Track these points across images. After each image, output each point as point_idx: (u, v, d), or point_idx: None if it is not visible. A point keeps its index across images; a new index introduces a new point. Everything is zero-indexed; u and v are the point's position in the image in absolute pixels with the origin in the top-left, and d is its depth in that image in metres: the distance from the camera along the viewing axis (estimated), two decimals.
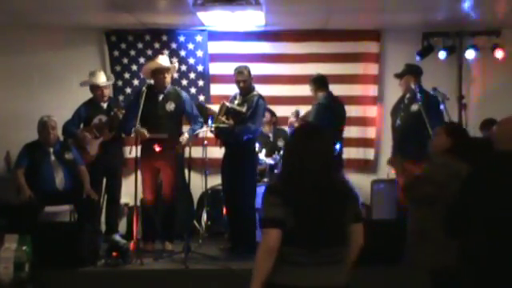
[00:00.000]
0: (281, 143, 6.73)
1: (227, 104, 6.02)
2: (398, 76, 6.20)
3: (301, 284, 2.75)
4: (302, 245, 2.74)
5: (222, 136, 6.07)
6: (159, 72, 6.03)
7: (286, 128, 6.85)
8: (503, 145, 3.22)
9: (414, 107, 5.88)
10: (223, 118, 5.92)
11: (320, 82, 6.24)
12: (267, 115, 6.74)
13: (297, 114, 6.34)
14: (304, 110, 6.50)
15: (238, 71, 6.12)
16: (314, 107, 6.15)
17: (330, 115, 6.00)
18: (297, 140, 2.94)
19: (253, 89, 6.21)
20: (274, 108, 6.98)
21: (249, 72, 6.14)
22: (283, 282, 2.76)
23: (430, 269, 3.69)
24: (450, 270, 3.50)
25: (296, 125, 6.21)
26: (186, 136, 5.95)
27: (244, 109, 6.03)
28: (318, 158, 2.81)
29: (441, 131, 3.92)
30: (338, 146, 6.10)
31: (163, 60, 6.20)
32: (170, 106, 6.04)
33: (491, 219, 3.09)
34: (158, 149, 5.85)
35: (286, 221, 2.72)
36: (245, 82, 6.11)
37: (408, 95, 6.05)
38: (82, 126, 6.44)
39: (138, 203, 5.91)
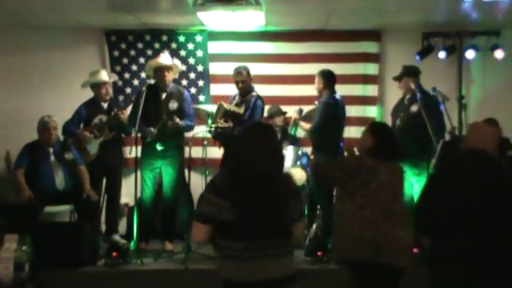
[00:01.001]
0: (286, 143, 6.67)
1: (225, 106, 6.02)
2: (397, 79, 6.20)
3: (243, 278, 2.85)
4: (243, 239, 2.84)
5: (220, 138, 6.08)
6: (160, 70, 6.06)
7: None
8: (470, 143, 3.41)
9: (414, 108, 5.88)
10: (221, 121, 5.92)
11: (330, 79, 6.08)
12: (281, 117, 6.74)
13: (300, 111, 6.29)
14: (305, 109, 6.49)
15: (237, 72, 6.14)
16: (319, 105, 6.05)
17: (335, 114, 5.96)
18: (245, 138, 3.02)
19: (252, 89, 6.21)
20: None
21: (248, 72, 6.14)
22: (226, 277, 2.89)
23: (351, 261, 3.78)
24: (369, 262, 3.68)
25: (300, 123, 6.17)
26: (180, 122, 5.95)
27: (242, 110, 6.04)
28: (264, 156, 2.90)
29: (366, 130, 3.98)
30: (342, 145, 6.09)
31: (164, 58, 6.22)
32: (173, 105, 6.07)
33: (457, 215, 3.20)
34: (159, 148, 5.86)
35: (226, 216, 2.82)
36: (243, 82, 6.12)
37: (408, 96, 6.06)
38: (82, 125, 6.44)
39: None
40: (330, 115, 5.93)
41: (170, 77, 6.14)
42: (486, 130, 3.49)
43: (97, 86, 6.40)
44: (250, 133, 3.07)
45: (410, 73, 6.09)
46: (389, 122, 6.38)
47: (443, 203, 3.25)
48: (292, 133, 6.53)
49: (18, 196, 5.93)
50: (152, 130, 5.89)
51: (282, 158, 3.08)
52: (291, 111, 6.79)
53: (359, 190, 3.74)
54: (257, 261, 2.84)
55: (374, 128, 3.99)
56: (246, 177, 2.88)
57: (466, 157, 3.42)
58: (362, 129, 7.03)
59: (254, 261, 2.84)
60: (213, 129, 5.97)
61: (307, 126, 6.11)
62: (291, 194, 2.98)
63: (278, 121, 6.72)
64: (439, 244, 3.29)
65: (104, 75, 6.43)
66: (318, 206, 6.26)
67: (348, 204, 3.78)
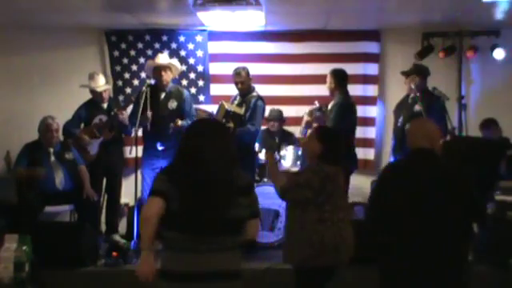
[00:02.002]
0: (285, 145, 6.66)
1: (226, 107, 6.02)
2: (405, 74, 6.12)
3: (186, 269, 2.90)
4: (187, 230, 2.89)
5: None
6: (157, 70, 6.11)
7: (299, 128, 6.74)
8: (417, 143, 3.48)
9: (417, 107, 5.83)
10: (223, 121, 5.92)
11: (342, 78, 5.97)
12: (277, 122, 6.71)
13: (311, 113, 6.05)
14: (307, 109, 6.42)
15: (236, 72, 6.14)
16: (334, 106, 5.89)
17: (351, 116, 5.89)
18: (194, 132, 3.07)
19: (252, 90, 6.21)
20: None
21: (247, 73, 6.14)
22: (172, 269, 2.92)
23: (310, 268, 3.79)
24: (328, 269, 3.80)
25: (314, 124, 5.98)
26: (180, 122, 5.98)
27: (242, 110, 6.03)
28: (211, 152, 2.96)
29: (312, 136, 4.01)
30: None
31: (162, 58, 6.26)
32: (173, 105, 6.09)
33: (406, 213, 3.31)
34: (160, 148, 5.87)
35: (174, 205, 2.87)
36: (243, 83, 6.12)
37: (412, 95, 6.01)
38: (82, 125, 6.44)
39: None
40: (348, 117, 5.85)
41: (167, 76, 6.16)
42: (430, 128, 3.58)
43: (93, 91, 6.41)
44: (198, 129, 3.11)
45: (419, 71, 6.04)
46: (390, 121, 6.39)
47: (393, 202, 3.36)
48: (303, 135, 6.34)
49: (20, 191, 5.90)
50: (149, 114, 5.90)
51: (231, 155, 3.08)
52: (291, 111, 6.81)
53: (327, 200, 3.82)
54: (200, 254, 2.90)
55: (321, 133, 4.03)
56: (195, 171, 2.94)
57: (413, 156, 3.51)
58: (363, 129, 7.25)
59: (197, 253, 2.90)
60: None
61: None
62: (241, 191, 3.02)
63: (273, 125, 6.70)
64: (390, 240, 3.40)
65: (99, 81, 6.39)
66: None
67: (311, 213, 3.81)
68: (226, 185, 2.97)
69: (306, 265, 3.81)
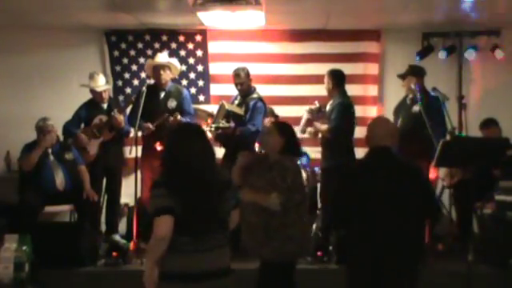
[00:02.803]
0: None
1: (226, 106, 6.01)
2: (401, 76, 6.16)
3: (189, 270, 2.99)
4: (188, 233, 2.99)
5: (221, 139, 6.06)
6: (156, 69, 6.13)
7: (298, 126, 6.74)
8: (378, 141, 3.64)
9: (416, 108, 5.83)
10: (223, 121, 5.92)
11: (339, 78, 5.96)
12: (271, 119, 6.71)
13: (311, 111, 6.04)
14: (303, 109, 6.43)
15: (235, 74, 6.14)
16: (335, 106, 5.87)
17: (351, 115, 5.87)
18: (180, 139, 3.16)
19: (253, 90, 6.19)
20: (273, 108, 6.96)
21: (246, 74, 6.13)
22: (172, 271, 3.00)
23: (278, 261, 3.89)
24: (294, 262, 3.95)
25: (315, 124, 5.98)
26: (179, 117, 5.97)
27: (242, 111, 6.03)
28: (200, 154, 3.10)
29: (273, 131, 4.11)
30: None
31: (161, 57, 6.26)
32: (172, 104, 6.09)
33: (366, 209, 3.48)
34: (159, 148, 5.87)
35: (175, 210, 2.95)
36: (242, 84, 6.12)
37: (410, 96, 6.02)
38: (82, 125, 6.44)
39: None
40: (348, 116, 5.84)
41: (166, 75, 6.17)
42: (394, 127, 3.78)
43: (93, 91, 6.40)
44: (181, 133, 3.23)
45: (415, 72, 6.04)
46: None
47: (354, 198, 3.53)
48: (303, 133, 6.33)
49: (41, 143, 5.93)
50: (150, 126, 5.90)
51: (213, 154, 3.24)
52: (291, 111, 6.80)
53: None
54: (198, 253, 3.00)
55: (281, 128, 4.16)
56: (185, 175, 3.04)
57: (377, 154, 3.65)
58: (363, 129, 7.13)
59: (195, 253, 2.99)
60: (213, 129, 5.96)
61: (323, 126, 5.92)
62: (225, 185, 3.17)
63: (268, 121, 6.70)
64: (351, 234, 3.62)
65: (98, 81, 6.38)
66: (319, 207, 6.27)
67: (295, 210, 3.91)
68: (217, 183, 3.12)
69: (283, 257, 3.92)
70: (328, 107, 6.00)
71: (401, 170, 3.63)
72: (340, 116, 5.77)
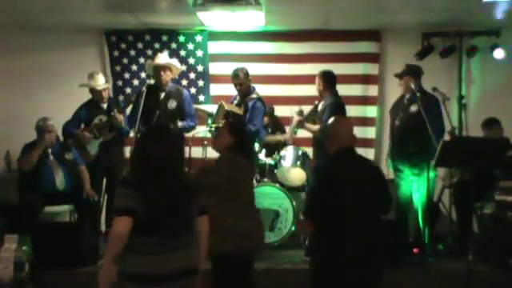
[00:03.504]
0: (279, 133, 6.71)
1: (226, 107, 6.00)
2: (398, 76, 6.17)
3: (153, 271, 3.05)
4: (153, 234, 3.06)
5: None
6: (156, 70, 6.13)
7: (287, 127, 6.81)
8: (340, 143, 3.81)
9: (414, 108, 5.81)
10: (223, 122, 5.91)
11: (329, 80, 5.99)
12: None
13: (300, 112, 6.13)
14: (304, 109, 6.45)
15: (234, 74, 6.14)
16: (327, 106, 5.91)
17: (343, 114, 5.84)
18: (152, 141, 3.21)
19: (252, 90, 6.19)
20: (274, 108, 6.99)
21: (245, 74, 6.13)
22: (137, 271, 3.06)
23: (219, 253, 3.93)
24: (235, 254, 3.96)
25: (305, 124, 6.04)
26: (181, 123, 6.00)
27: (241, 111, 6.03)
28: (170, 157, 3.17)
29: (224, 131, 4.26)
30: None
31: (161, 58, 6.25)
32: (172, 104, 6.09)
33: (331, 207, 3.64)
34: None
35: (139, 212, 3.02)
36: (241, 84, 6.12)
37: (407, 96, 6.00)
38: (82, 126, 6.44)
39: None
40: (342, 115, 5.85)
41: (166, 76, 6.16)
42: (349, 127, 3.91)
43: (93, 90, 6.40)
44: (153, 135, 3.28)
45: (412, 72, 6.03)
46: (388, 121, 6.37)
47: (326, 197, 3.69)
48: (294, 134, 6.38)
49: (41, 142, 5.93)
50: None
51: (183, 158, 3.35)
52: (292, 111, 6.78)
53: (239, 189, 4.07)
54: (163, 254, 3.07)
55: (232, 127, 4.29)
56: (154, 177, 3.11)
57: (344, 155, 3.82)
58: (363, 129, 7.25)
59: (160, 254, 3.07)
60: (213, 129, 5.96)
61: (315, 127, 5.98)
62: (194, 189, 3.27)
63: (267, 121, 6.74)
64: (322, 230, 3.76)
65: (98, 80, 6.37)
66: None
67: (229, 204, 4.01)
68: (185, 186, 3.22)
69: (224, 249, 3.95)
70: (320, 107, 6.04)
71: (365, 169, 3.87)
72: (330, 116, 5.78)
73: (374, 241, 3.72)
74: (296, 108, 6.23)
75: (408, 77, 5.97)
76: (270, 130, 6.94)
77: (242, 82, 6.12)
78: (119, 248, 3.05)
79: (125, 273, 3.09)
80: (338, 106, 5.87)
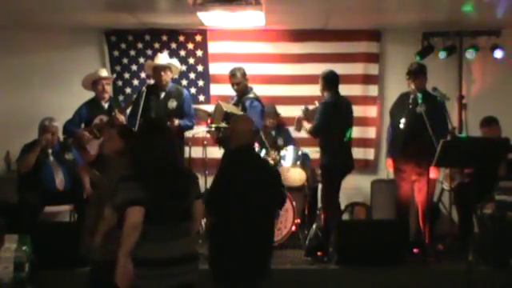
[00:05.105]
0: (281, 142, 6.69)
1: (224, 108, 5.98)
2: (413, 73, 5.94)
3: (159, 257, 3.22)
4: (158, 223, 3.23)
5: (224, 142, 6.03)
6: (156, 70, 6.12)
7: (290, 127, 6.78)
8: (238, 141, 4.15)
9: (419, 108, 5.76)
10: (223, 124, 5.90)
11: (329, 80, 5.94)
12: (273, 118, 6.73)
13: (306, 111, 6.07)
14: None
15: (231, 74, 6.15)
16: (319, 105, 5.94)
17: (333, 115, 5.85)
18: (151, 135, 3.41)
19: (249, 90, 6.19)
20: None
21: (242, 74, 6.14)
22: (143, 257, 3.20)
23: (100, 260, 3.88)
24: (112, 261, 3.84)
25: (303, 123, 6.03)
26: (177, 121, 5.96)
27: (239, 110, 6.03)
28: (169, 149, 3.38)
29: (113, 134, 4.28)
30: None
31: (162, 58, 6.25)
32: (172, 104, 6.09)
33: (226, 201, 3.96)
34: None
35: (146, 201, 3.18)
36: (238, 84, 6.13)
37: (412, 96, 5.94)
38: (83, 125, 6.44)
39: None
40: (329, 115, 5.83)
41: (166, 76, 6.16)
42: (250, 126, 4.25)
43: (94, 83, 6.39)
44: (152, 130, 3.49)
45: (424, 71, 5.93)
46: (387, 121, 6.37)
47: (223, 192, 4.02)
48: (299, 132, 6.30)
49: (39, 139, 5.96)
50: None
51: (178, 149, 3.54)
52: (292, 111, 6.79)
53: None
54: (166, 241, 3.25)
55: (123, 131, 4.31)
56: (156, 169, 3.29)
57: (244, 151, 4.15)
58: (363, 129, 7.25)
59: (164, 241, 3.24)
60: (213, 129, 5.96)
61: (308, 126, 6.02)
62: (190, 177, 3.48)
63: (270, 121, 6.71)
64: (220, 222, 4.07)
65: (102, 72, 6.40)
66: (319, 206, 6.27)
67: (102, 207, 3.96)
68: (183, 176, 3.42)
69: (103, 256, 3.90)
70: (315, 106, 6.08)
71: (261, 167, 4.23)
72: (318, 117, 5.84)
73: (262, 234, 4.07)
74: (302, 107, 6.16)
75: (423, 76, 5.90)
76: (274, 133, 6.87)
77: (240, 81, 6.12)
78: (136, 238, 3.16)
79: (132, 259, 3.19)
80: (326, 105, 5.85)
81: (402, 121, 5.85)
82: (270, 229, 4.25)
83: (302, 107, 6.14)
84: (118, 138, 4.17)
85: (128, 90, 7.38)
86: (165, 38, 7.38)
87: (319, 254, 5.49)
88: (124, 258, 3.17)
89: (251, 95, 6.17)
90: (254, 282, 4.10)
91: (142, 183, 3.21)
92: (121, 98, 7.30)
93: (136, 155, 3.39)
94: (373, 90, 7.41)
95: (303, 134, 6.34)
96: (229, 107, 6.06)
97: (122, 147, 4.11)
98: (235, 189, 3.98)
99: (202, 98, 7.39)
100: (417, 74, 5.88)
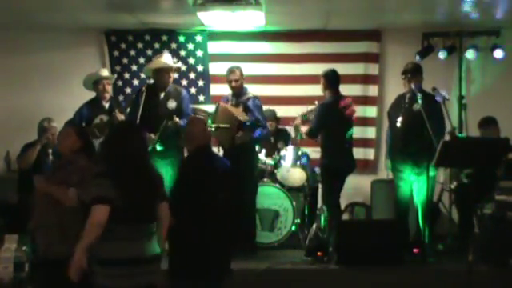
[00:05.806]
0: (281, 146, 6.67)
1: (229, 109, 5.95)
2: (411, 72, 5.93)
3: (126, 256, 3.27)
4: (126, 222, 3.28)
5: (225, 143, 6.02)
6: (164, 71, 5.97)
7: (288, 128, 6.80)
8: (196, 142, 4.24)
9: (416, 107, 5.76)
10: (225, 124, 5.87)
11: (330, 79, 5.91)
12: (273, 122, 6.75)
13: (304, 116, 6.06)
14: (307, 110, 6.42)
15: (231, 71, 6.11)
16: (317, 107, 5.92)
17: (328, 115, 5.83)
18: (124, 135, 3.51)
19: (245, 90, 6.18)
20: (273, 108, 6.97)
21: (241, 72, 6.12)
22: (109, 256, 3.26)
23: (52, 258, 3.91)
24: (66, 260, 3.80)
25: (300, 127, 6.02)
26: (179, 121, 5.96)
27: (241, 111, 5.99)
28: (141, 150, 3.51)
29: (71, 133, 4.31)
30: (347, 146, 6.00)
31: (168, 58, 6.17)
32: (172, 105, 6.05)
33: (187, 199, 4.04)
34: (159, 148, 5.85)
35: (115, 200, 3.23)
36: (237, 81, 6.10)
37: (409, 95, 5.93)
38: (83, 125, 6.43)
39: None
40: (325, 117, 5.81)
41: (171, 78, 6.12)
42: (199, 129, 4.31)
43: (96, 83, 6.38)
44: (125, 129, 3.63)
45: (420, 70, 5.93)
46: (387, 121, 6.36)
47: (183, 191, 4.11)
48: (298, 137, 6.26)
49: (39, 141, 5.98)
50: (152, 136, 5.83)
51: (148, 151, 3.67)
52: (292, 111, 6.79)
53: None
54: (135, 241, 3.32)
55: (80, 131, 4.41)
56: (128, 168, 3.37)
57: (203, 152, 4.26)
58: (363, 129, 7.25)
59: (133, 241, 3.31)
60: (213, 129, 5.95)
61: (305, 128, 5.99)
62: (159, 179, 3.57)
63: (270, 124, 6.70)
64: (181, 221, 4.02)
65: (103, 71, 6.39)
66: (318, 206, 6.27)
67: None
68: (152, 177, 3.51)
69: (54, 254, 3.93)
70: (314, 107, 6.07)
71: (219, 165, 4.32)
72: (315, 117, 5.86)
73: (223, 233, 4.18)
74: (300, 112, 6.16)
75: (419, 75, 5.89)
76: (273, 139, 6.86)
77: (238, 78, 6.08)
78: (97, 235, 3.20)
79: (96, 258, 3.26)
80: (322, 107, 5.85)
81: (399, 119, 5.83)
82: (228, 228, 4.30)
83: (300, 113, 6.12)
84: (75, 136, 4.21)
85: (128, 90, 7.39)
86: (165, 38, 7.38)
87: (319, 253, 5.49)
88: (81, 252, 3.19)
89: (250, 94, 6.16)
90: (215, 281, 4.15)
91: (114, 181, 3.27)
92: (121, 98, 7.31)
93: (109, 153, 3.45)
94: (373, 90, 7.42)
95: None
96: (232, 109, 6.00)
97: (79, 145, 4.17)
98: (197, 189, 4.06)
99: (201, 98, 7.39)
100: (413, 73, 5.87)
